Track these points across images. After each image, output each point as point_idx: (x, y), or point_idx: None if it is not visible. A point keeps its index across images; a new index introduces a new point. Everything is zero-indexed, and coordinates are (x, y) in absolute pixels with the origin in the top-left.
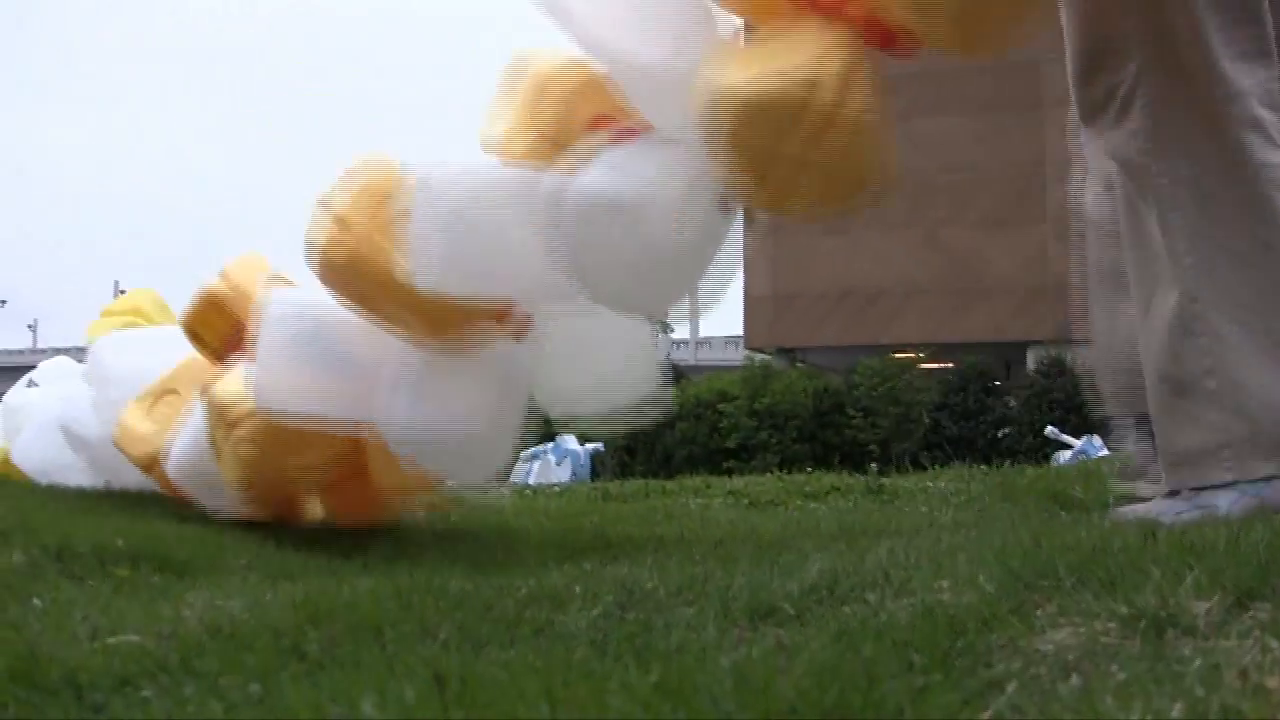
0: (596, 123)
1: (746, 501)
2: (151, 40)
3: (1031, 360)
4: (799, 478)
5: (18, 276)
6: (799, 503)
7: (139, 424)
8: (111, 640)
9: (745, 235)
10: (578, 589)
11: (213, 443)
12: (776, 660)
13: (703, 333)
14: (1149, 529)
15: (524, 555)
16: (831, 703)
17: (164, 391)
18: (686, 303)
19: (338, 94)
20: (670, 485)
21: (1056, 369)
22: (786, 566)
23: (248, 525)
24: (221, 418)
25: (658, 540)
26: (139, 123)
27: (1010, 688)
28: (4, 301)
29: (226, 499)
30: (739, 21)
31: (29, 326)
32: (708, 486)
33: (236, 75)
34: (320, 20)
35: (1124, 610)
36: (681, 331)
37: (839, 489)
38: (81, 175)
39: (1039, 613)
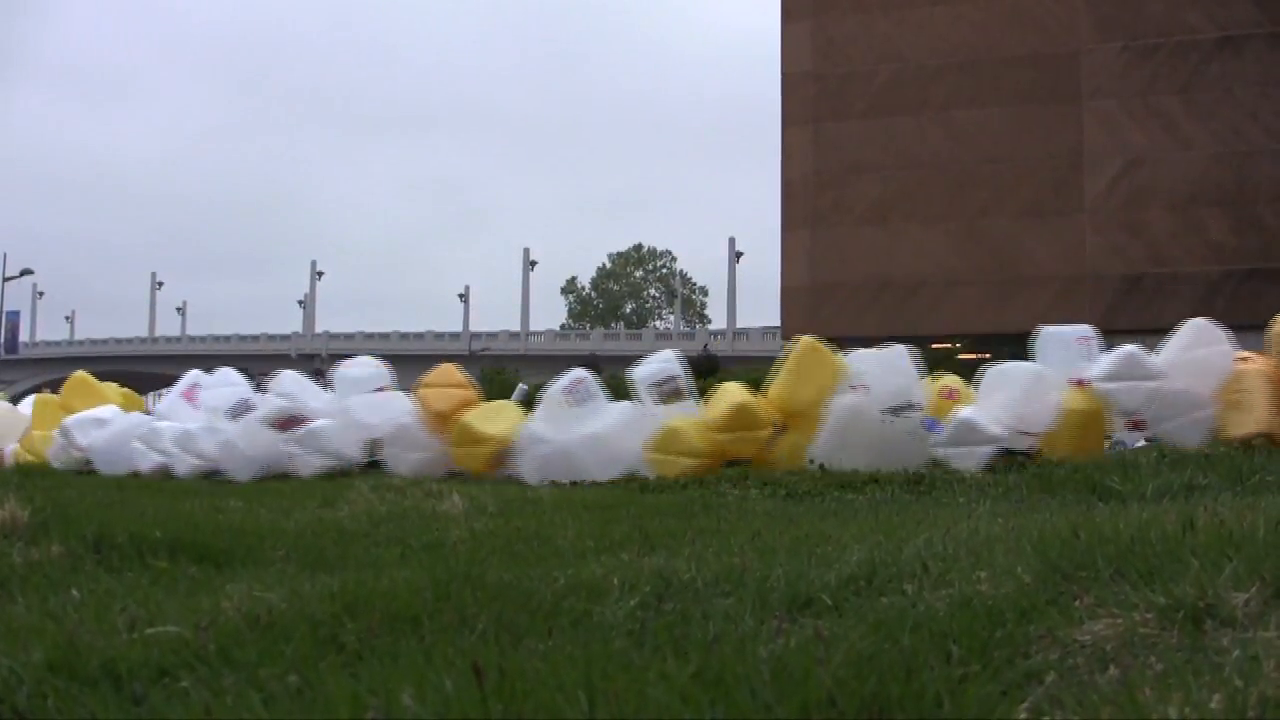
0: None
1: (784, 492)
2: (190, 36)
3: None
4: (836, 469)
5: (55, 269)
6: (836, 494)
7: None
8: (150, 631)
9: (784, 227)
10: (615, 580)
11: None
12: (815, 651)
13: (740, 323)
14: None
15: (561, 546)
16: (870, 693)
17: None
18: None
19: (377, 94)
20: (707, 476)
21: None
22: (824, 558)
23: (285, 514)
24: None
25: (695, 531)
26: (174, 119)
27: (1049, 679)
28: (42, 293)
29: None
30: None
31: (66, 318)
32: (745, 478)
33: (278, 74)
34: (367, 14)
35: (1162, 601)
36: (719, 322)
37: (877, 480)
38: (118, 170)
39: (1077, 603)
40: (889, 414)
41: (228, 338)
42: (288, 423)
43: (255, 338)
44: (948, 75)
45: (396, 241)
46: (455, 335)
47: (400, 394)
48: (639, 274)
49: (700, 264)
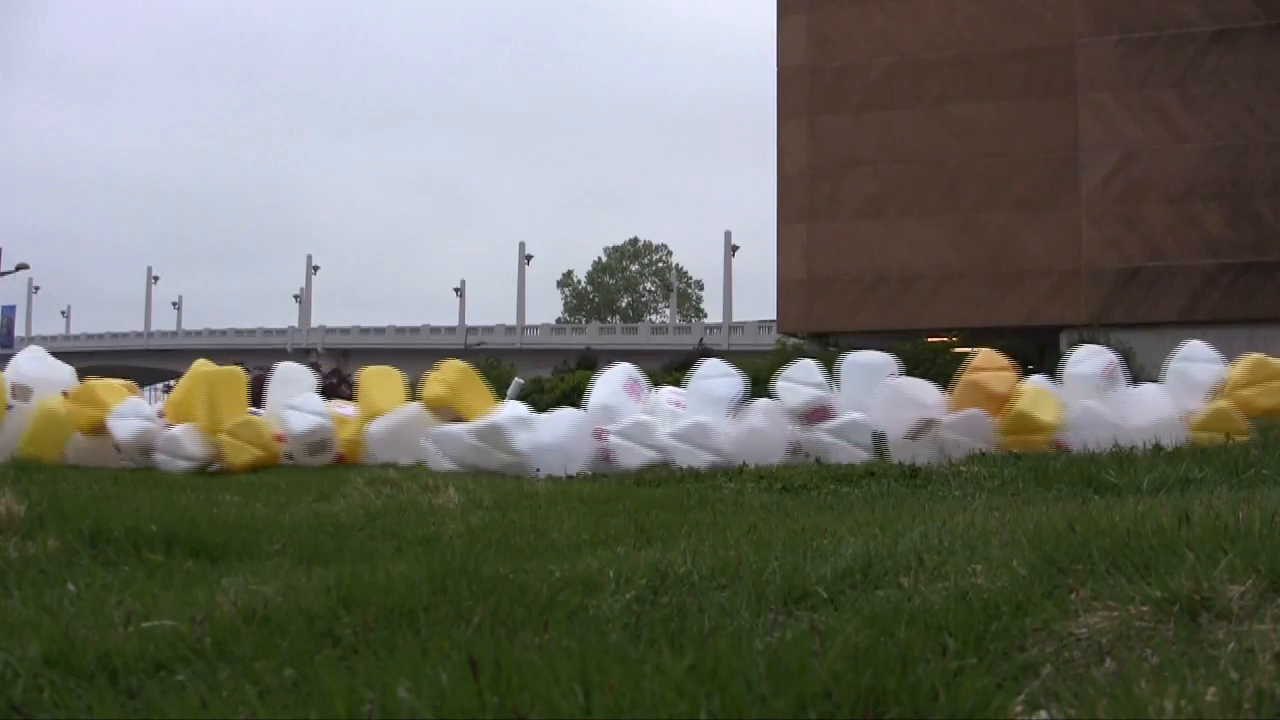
0: None
1: (780, 486)
2: (184, 34)
3: (1064, 344)
4: (832, 462)
5: (51, 264)
6: (832, 487)
7: None
8: (146, 625)
9: (780, 221)
10: (611, 573)
11: None
12: (810, 644)
13: (736, 317)
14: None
15: (557, 540)
16: (866, 686)
17: None
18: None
19: (374, 91)
20: (702, 469)
21: None
22: (820, 551)
23: (281, 508)
24: None
25: (691, 525)
26: (170, 115)
27: (1044, 671)
28: (38, 288)
29: None
30: None
31: (62, 313)
32: (740, 471)
33: (274, 70)
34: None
35: (1158, 594)
36: (715, 316)
37: (873, 473)
38: (114, 166)
39: (1073, 596)
40: None
41: (224, 332)
42: (816, 414)
43: (251, 332)
44: (943, 69)
45: (392, 236)
46: (451, 329)
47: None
48: (634, 268)
49: (696, 258)
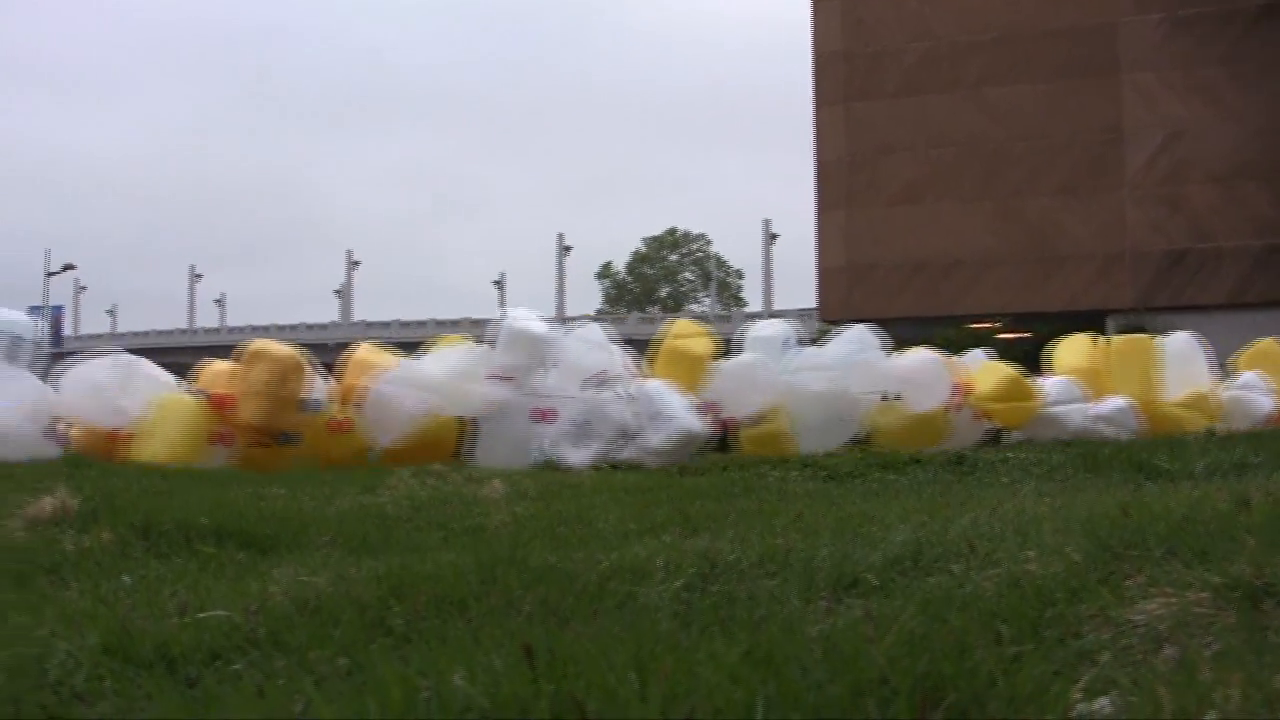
0: None
1: (825, 474)
2: (205, 29)
3: (1110, 328)
4: (877, 450)
5: (97, 264)
6: (878, 475)
7: None
8: (201, 615)
9: (819, 208)
10: (659, 562)
11: None
12: (865, 630)
13: (776, 305)
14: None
15: (603, 529)
16: (923, 672)
17: None
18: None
19: (411, 85)
20: (747, 458)
21: None
22: (869, 538)
23: (327, 501)
24: None
25: (737, 513)
26: (202, 116)
27: (1103, 659)
28: (84, 288)
29: None
30: None
31: (108, 312)
32: (784, 459)
33: (306, 71)
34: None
35: (1217, 580)
36: (755, 304)
37: (918, 461)
38: (155, 167)
39: (1129, 583)
40: None
41: (265, 328)
42: None
43: (294, 327)
44: (980, 51)
45: (428, 231)
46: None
47: None
48: (673, 258)
49: (735, 247)
